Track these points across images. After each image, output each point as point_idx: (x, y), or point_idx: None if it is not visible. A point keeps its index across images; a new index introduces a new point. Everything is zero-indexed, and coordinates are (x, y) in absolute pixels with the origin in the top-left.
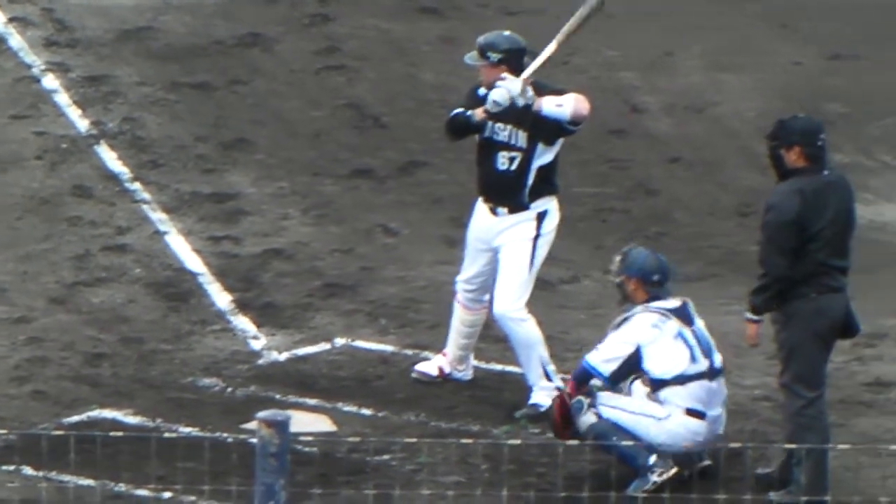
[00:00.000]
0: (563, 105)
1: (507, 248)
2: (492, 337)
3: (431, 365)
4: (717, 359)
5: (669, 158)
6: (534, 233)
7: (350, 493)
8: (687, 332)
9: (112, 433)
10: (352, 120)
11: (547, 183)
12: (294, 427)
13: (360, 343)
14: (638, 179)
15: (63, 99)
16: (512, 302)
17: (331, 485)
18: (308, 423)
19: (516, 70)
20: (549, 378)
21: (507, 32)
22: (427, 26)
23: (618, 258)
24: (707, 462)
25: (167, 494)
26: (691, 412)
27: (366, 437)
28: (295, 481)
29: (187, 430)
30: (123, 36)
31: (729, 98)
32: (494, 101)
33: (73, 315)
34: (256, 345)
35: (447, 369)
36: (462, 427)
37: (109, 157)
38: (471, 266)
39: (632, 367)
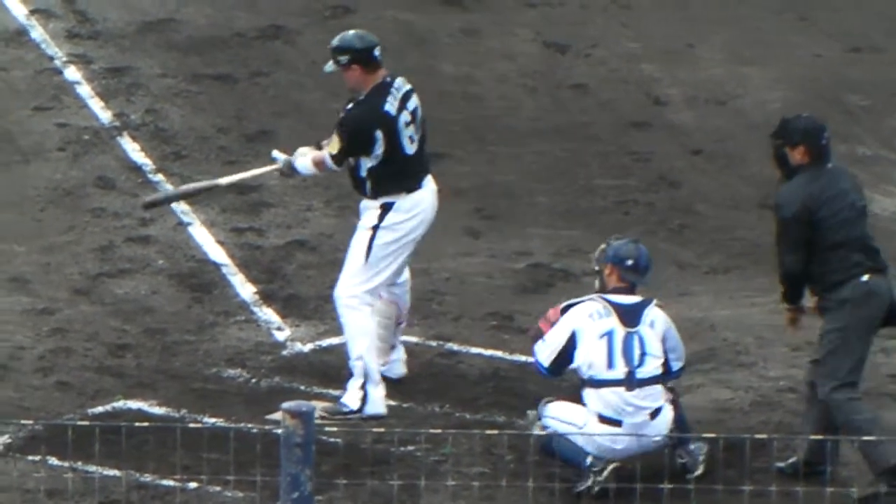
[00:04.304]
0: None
1: (355, 233)
2: (514, 328)
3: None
4: (647, 370)
5: (691, 150)
6: (374, 222)
7: (375, 484)
8: (617, 334)
9: (137, 424)
10: None
11: (389, 182)
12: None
13: None
14: (660, 172)
15: (85, 91)
16: (344, 288)
17: (356, 475)
18: None
19: (369, 67)
20: (366, 381)
21: (353, 32)
22: (447, 18)
23: (601, 247)
24: (696, 472)
25: (192, 485)
26: (604, 419)
27: (390, 427)
28: (320, 472)
29: (212, 420)
30: (145, 28)
31: (751, 90)
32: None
33: (96, 306)
34: (280, 336)
35: None
36: (487, 418)
37: (132, 148)
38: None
39: (567, 355)
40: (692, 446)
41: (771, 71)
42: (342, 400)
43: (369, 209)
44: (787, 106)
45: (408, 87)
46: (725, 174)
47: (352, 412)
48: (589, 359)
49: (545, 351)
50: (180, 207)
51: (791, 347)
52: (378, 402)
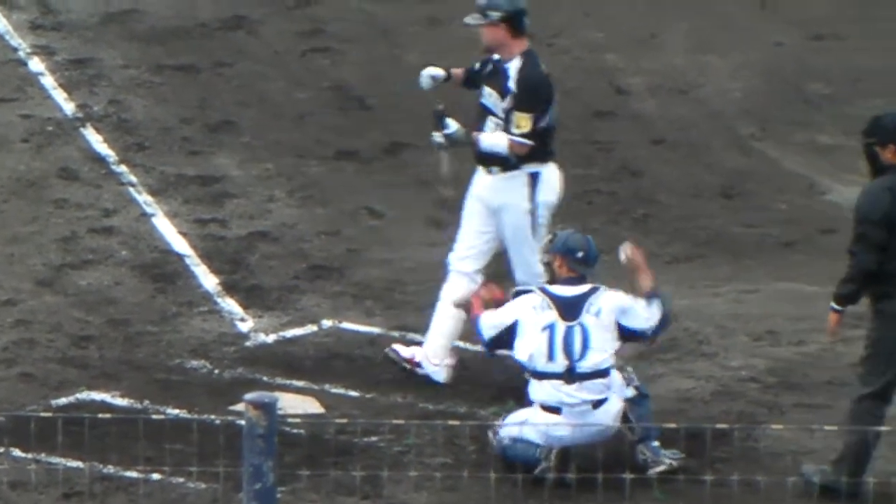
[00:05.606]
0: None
1: (508, 218)
2: None
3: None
4: (587, 363)
5: (654, 140)
6: (528, 201)
7: (338, 475)
8: (558, 328)
9: (100, 415)
10: (336, 102)
11: (540, 149)
12: (282, 409)
13: (346, 325)
14: (623, 161)
15: (49, 82)
16: (530, 271)
17: (318, 466)
18: (296, 404)
19: (517, 31)
20: None
21: None
22: (412, 8)
23: (548, 237)
24: (656, 469)
25: (155, 476)
26: (545, 408)
27: (353, 418)
28: (283, 463)
29: (175, 411)
30: (108, 18)
31: (713, 79)
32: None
33: (59, 297)
34: (243, 327)
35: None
36: (449, 409)
37: (95, 139)
38: (464, 234)
39: (507, 340)
40: (654, 444)
41: (733, 59)
42: None
43: (513, 180)
44: (749, 94)
45: None
46: (688, 163)
47: None
48: (530, 350)
49: (488, 324)
50: (143, 198)
51: (752, 337)
52: None
